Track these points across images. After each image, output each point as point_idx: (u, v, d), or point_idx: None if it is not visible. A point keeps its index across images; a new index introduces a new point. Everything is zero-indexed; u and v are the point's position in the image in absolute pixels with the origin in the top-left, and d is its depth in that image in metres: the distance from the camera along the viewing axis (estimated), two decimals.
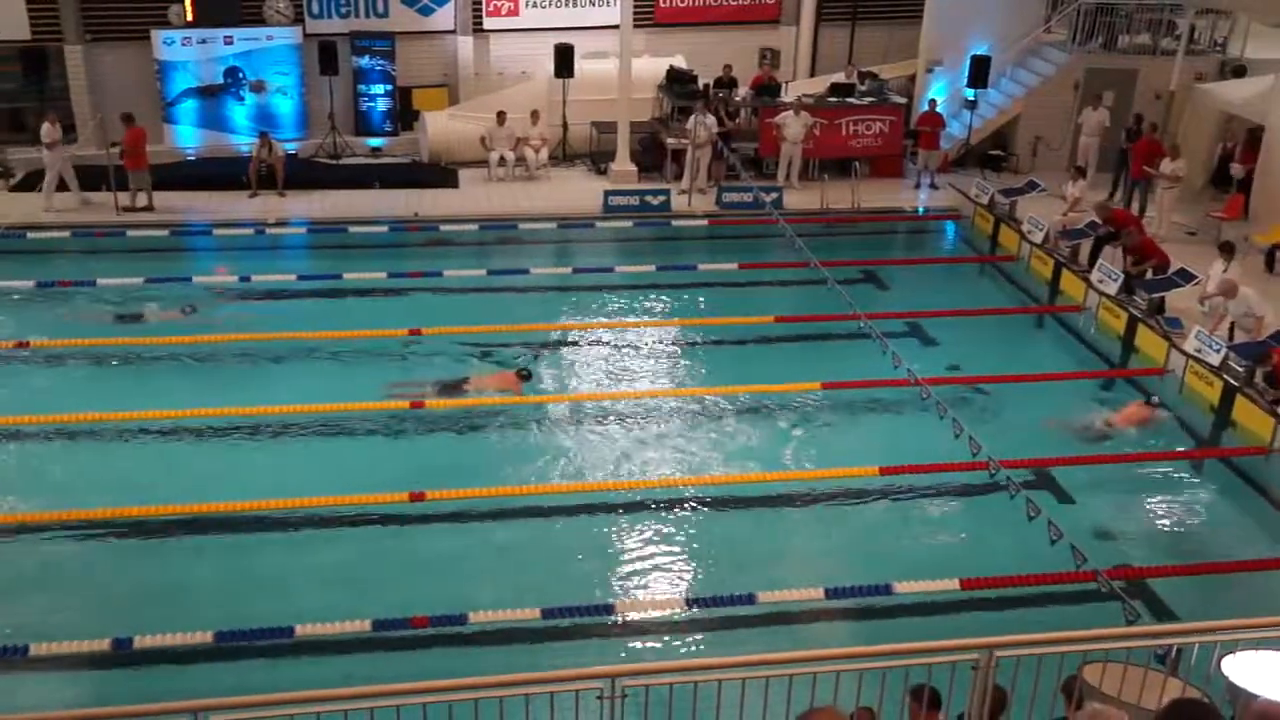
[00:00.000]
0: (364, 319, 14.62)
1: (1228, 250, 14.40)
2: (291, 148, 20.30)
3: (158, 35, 20.05)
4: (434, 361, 13.55)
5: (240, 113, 20.81)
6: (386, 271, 16.00)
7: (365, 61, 21.13)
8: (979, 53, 21.12)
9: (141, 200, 18.10)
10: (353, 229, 17.82)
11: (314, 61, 20.48)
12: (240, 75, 20.62)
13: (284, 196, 18.97)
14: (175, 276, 15.73)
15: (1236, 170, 17.97)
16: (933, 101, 20.82)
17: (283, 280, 15.76)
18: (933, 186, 20.11)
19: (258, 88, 20.72)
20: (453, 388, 12.86)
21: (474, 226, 18.16)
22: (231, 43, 20.37)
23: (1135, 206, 18.51)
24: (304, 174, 19.61)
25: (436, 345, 13.90)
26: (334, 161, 20.56)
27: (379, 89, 21.29)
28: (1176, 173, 17.71)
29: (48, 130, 17.79)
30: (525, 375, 13.10)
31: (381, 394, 12.59)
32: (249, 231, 17.68)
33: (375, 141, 21.29)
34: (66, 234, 17.36)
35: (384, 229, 17.87)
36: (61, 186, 18.08)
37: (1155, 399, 12.84)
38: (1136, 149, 18.85)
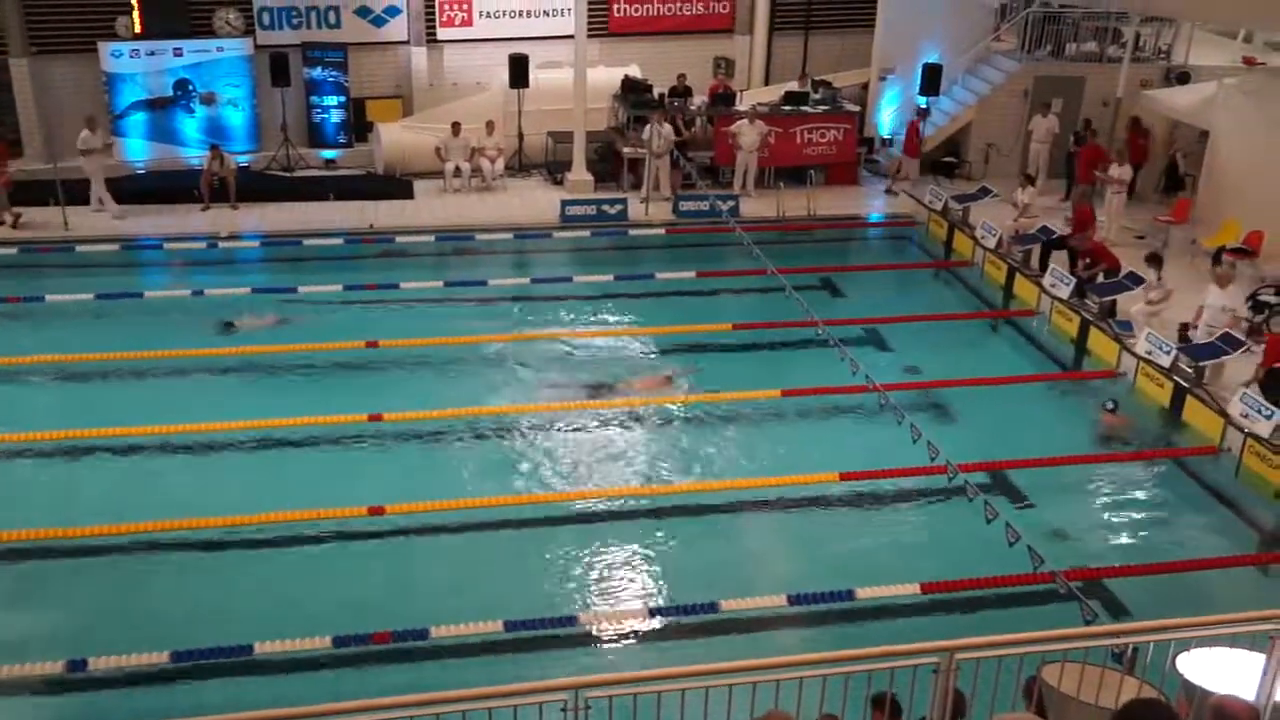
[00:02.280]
0: (324, 331, 14.50)
1: (1156, 261, 14.71)
2: (244, 160, 20.13)
3: (105, 47, 19.80)
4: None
5: (191, 125, 20.59)
6: (342, 284, 15.89)
7: (318, 73, 21.00)
8: (931, 61, 21.39)
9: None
10: (307, 242, 17.70)
11: (265, 73, 20.32)
12: (190, 87, 20.41)
13: (236, 209, 18.81)
14: (129, 292, 15.51)
15: (1117, 172, 18.08)
16: (921, 110, 20.94)
17: (236, 295, 15.59)
18: (893, 194, 20.19)
19: (208, 100, 20.51)
20: (604, 389, 13.15)
21: (430, 238, 18.10)
22: (181, 54, 20.15)
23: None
24: (257, 187, 19.46)
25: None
26: (287, 174, 20.41)
27: (332, 100, 21.16)
28: (1124, 178, 18.03)
29: None
30: (673, 378, 13.32)
31: (536, 394, 12.98)
32: (200, 245, 17.48)
33: (329, 153, 21.18)
34: (13, 250, 17.08)
35: (339, 241, 17.77)
36: None
37: (1110, 404, 13.05)
38: (1082, 155, 19.19)
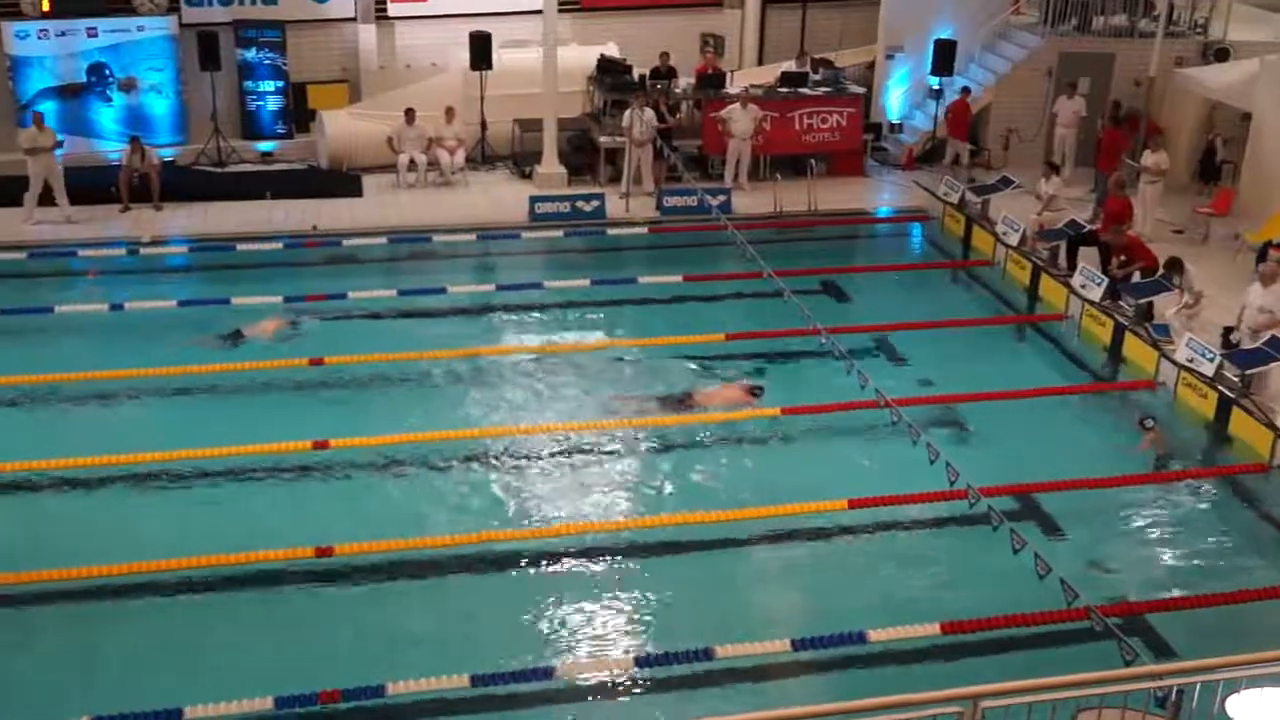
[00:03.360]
0: (262, 348, 14.49)
1: (1176, 267, 14.87)
2: (168, 154, 20.10)
3: (9, 27, 19.76)
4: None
5: (108, 115, 20.56)
6: (282, 294, 15.88)
7: (252, 55, 21.00)
8: (943, 37, 21.58)
9: None
10: (242, 246, 17.67)
11: (193, 55, 20.31)
12: (107, 72, 20.39)
13: (160, 210, 18.78)
14: (35, 307, 15.46)
15: (1152, 159, 18.13)
16: (965, 89, 21.13)
17: (160, 307, 15.56)
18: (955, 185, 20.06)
19: (127, 86, 20.49)
20: (679, 402, 13.31)
21: (382, 240, 18.12)
22: (95, 35, 20.14)
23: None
24: (183, 184, 19.42)
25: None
26: (218, 170, 20.39)
27: (268, 86, 21.17)
28: (1159, 165, 18.24)
29: None
30: (756, 391, 13.38)
31: (606, 408, 13.26)
32: (120, 252, 17.44)
33: (266, 146, 21.16)
34: None
35: (278, 246, 17.75)
36: None
37: (1149, 421, 13.17)
38: (1103, 140, 19.37)
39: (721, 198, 19.14)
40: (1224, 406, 13.22)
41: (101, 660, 9.48)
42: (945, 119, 21.34)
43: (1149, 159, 18.35)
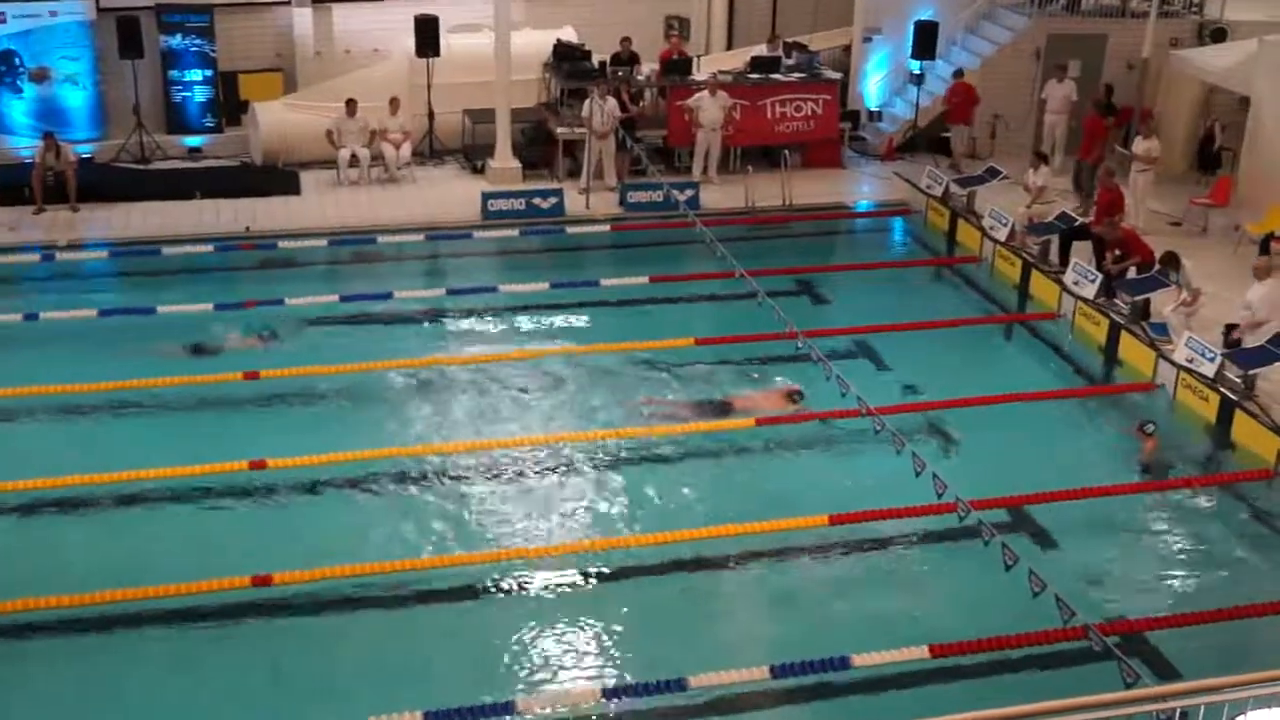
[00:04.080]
0: (192, 360, 14.42)
1: (1172, 262, 15.08)
2: (86, 151, 19.96)
3: None
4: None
5: (18, 108, 20.38)
6: (213, 302, 15.81)
7: (177, 41, 20.90)
8: (924, 18, 21.78)
9: None
10: (168, 250, 17.56)
11: (112, 43, 20.18)
12: (16, 61, 20.22)
13: (77, 211, 18.66)
14: None
15: (1143, 146, 18.37)
16: (958, 72, 21.36)
17: (79, 317, 15.44)
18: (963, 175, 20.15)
19: (40, 77, 20.32)
20: (718, 409, 13.36)
21: (322, 242, 18.06)
22: (4, 20, 19.97)
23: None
24: (103, 183, 19.31)
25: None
26: (142, 167, 20.28)
27: (196, 75, 21.07)
28: (1150, 153, 18.47)
29: None
30: (796, 396, 13.55)
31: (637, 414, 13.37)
32: (34, 258, 17.30)
33: (194, 140, 21.07)
34: None
35: (209, 249, 17.66)
36: None
37: (1149, 425, 13.33)
38: (1085, 127, 19.60)
39: (689, 192, 19.21)
40: (1226, 409, 13.40)
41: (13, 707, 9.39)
42: (947, 104, 21.47)
43: (1139, 146, 18.59)
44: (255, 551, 11.00)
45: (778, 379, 14.29)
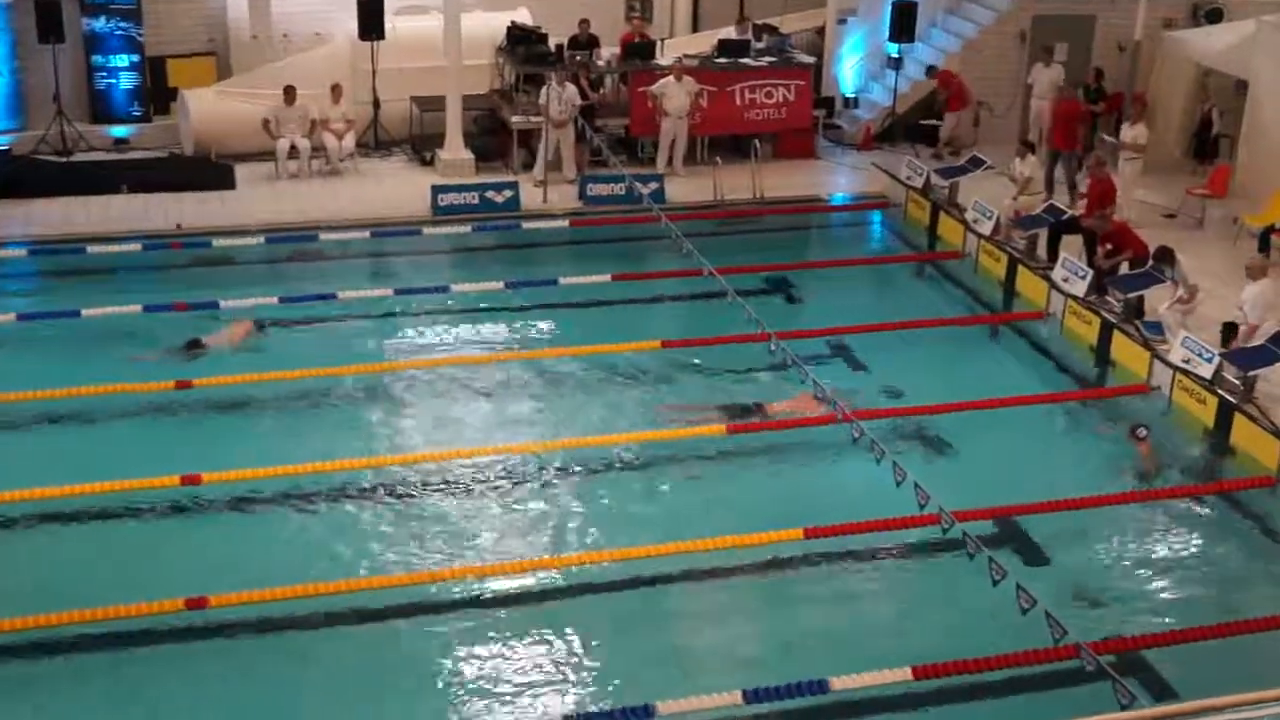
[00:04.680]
0: (119, 367, 14.28)
1: (1167, 258, 15.19)
2: (2, 142, 19.81)
3: None
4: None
5: None
6: (142, 304, 15.68)
7: (101, 24, 20.74)
8: None
9: None
10: (93, 249, 17.43)
11: (30, 26, 19.97)
12: None
13: None
14: None
15: (1129, 134, 18.51)
16: (931, 69, 21.52)
17: None
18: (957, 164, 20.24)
19: None
20: (747, 412, 13.46)
21: (259, 240, 17.95)
22: None
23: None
24: (21, 177, 19.17)
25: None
26: (63, 159, 20.12)
27: (121, 61, 20.91)
28: (1138, 141, 18.62)
29: None
30: (823, 398, 13.51)
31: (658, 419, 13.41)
32: None
33: (120, 131, 20.93)
34: None
35: (136, 247, 17.53)
36: None
37: (1142, 430, 13.42)
38: (1057, 112, 19.76)
39: (653, 185, 19.21)
40: (1225, 413, 13.50)
41: None
42: (943, 94, 21.57)
43: (1126, 133, 18.73)
44: (189, 573, 10.91)
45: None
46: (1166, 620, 10.86)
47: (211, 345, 14.85)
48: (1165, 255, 15.23)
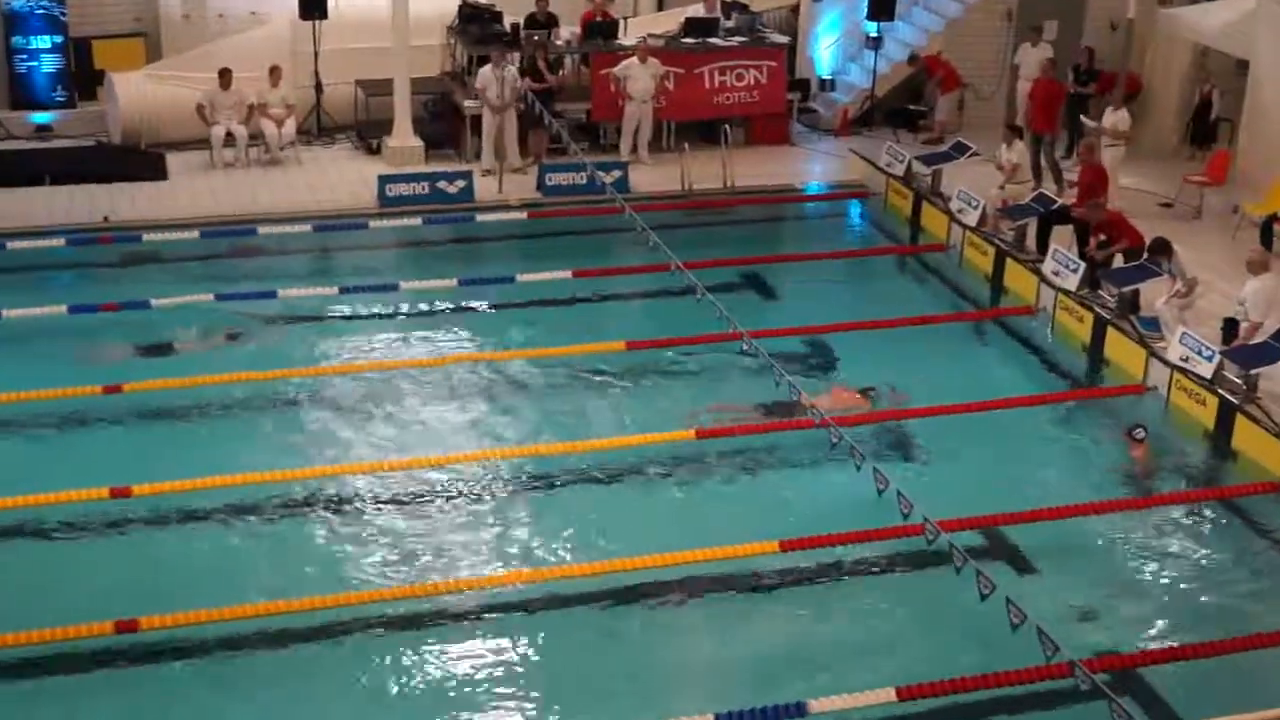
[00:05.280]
0: (43, 370, 14.16)
1: (1164, 250, 15.26)
2: None
3: None
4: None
5: None
6: (66, 304, 15.58)
7: (20, 3, 20.64)
8: None
9: None
10: (13, 244, 17.31)
11: None
12: None
13: None
14: None
15: (1111, 119, 18.73)
16: (913, 57, 21.62)
17: None
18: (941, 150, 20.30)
19: None
20: (788, 409, 13.37)
21: (193, 234, 17.86)
22: None
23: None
24: None
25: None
26: None
27: (43, 42, 20.80)
28: (1119, 126, 18.73)
29: None
30: (870, 393, 13.78)
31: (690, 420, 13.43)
32: None
33: (42, 117, 20.83)
34: None
35: (59, 242, 17.43)
36: None
37: (1139, 431, 13.48)
38: (1036, 93, 19.90)
39: (616, 174, 19.20)
40: (1226, 414, 13.58)
41: None
42: (935, 74, 21.66)
43: (1108, 118, 18.85)
44: (119, 593, 10.84)
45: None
46: (1165, 636, 10.92)
47: (180, 350, 15.01)
48: (1161, 247, 15.30)
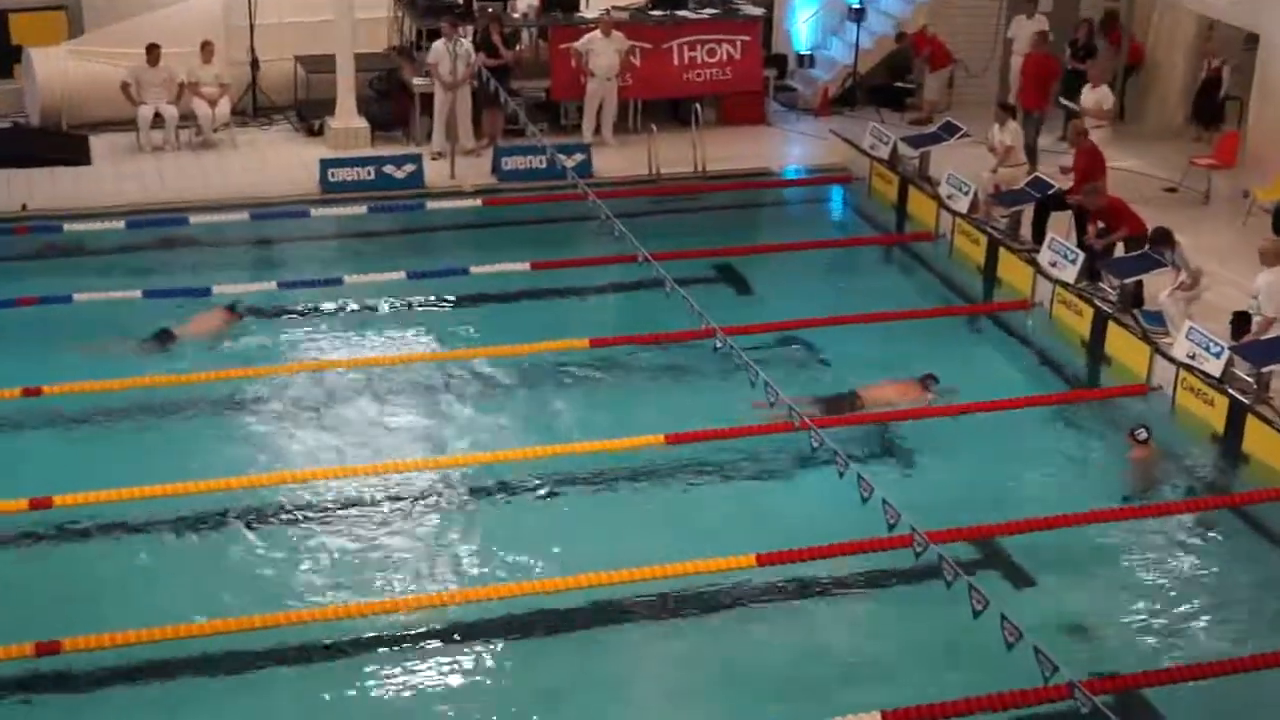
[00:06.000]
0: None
1: (1165, 240, 15.33)
2: None
3: None
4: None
5: None
6: None
7: None
8: None
9: None
10: None
11: None
12: None
13: None
14: None
15: (1092, 97, 18.99)
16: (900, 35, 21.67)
17: None
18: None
19: None
20: (839, 404, 13.73)
21: (119, 224, 17.81)
22: None
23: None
24: None
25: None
26: None
27: None
28: (1101, 105, 18.81)
29: None
30: (931, 383, 13.94)
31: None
32: None
33: None
34: None
35: None
36: None
37: (1141, 432, 13.52)
38: (1026, 68, 20.00)
39: (578, 157, 19.21)
40: (1236, 415, 13.63)
41: None
42: (921, 51, 21.72)
43: (1088, 97, 18.94)
44: (38, 613, 10.80)
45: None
46: (1171, 655, 10.96)
47: (181, 337, 15.01)
48: (1162, 238, 15.34)
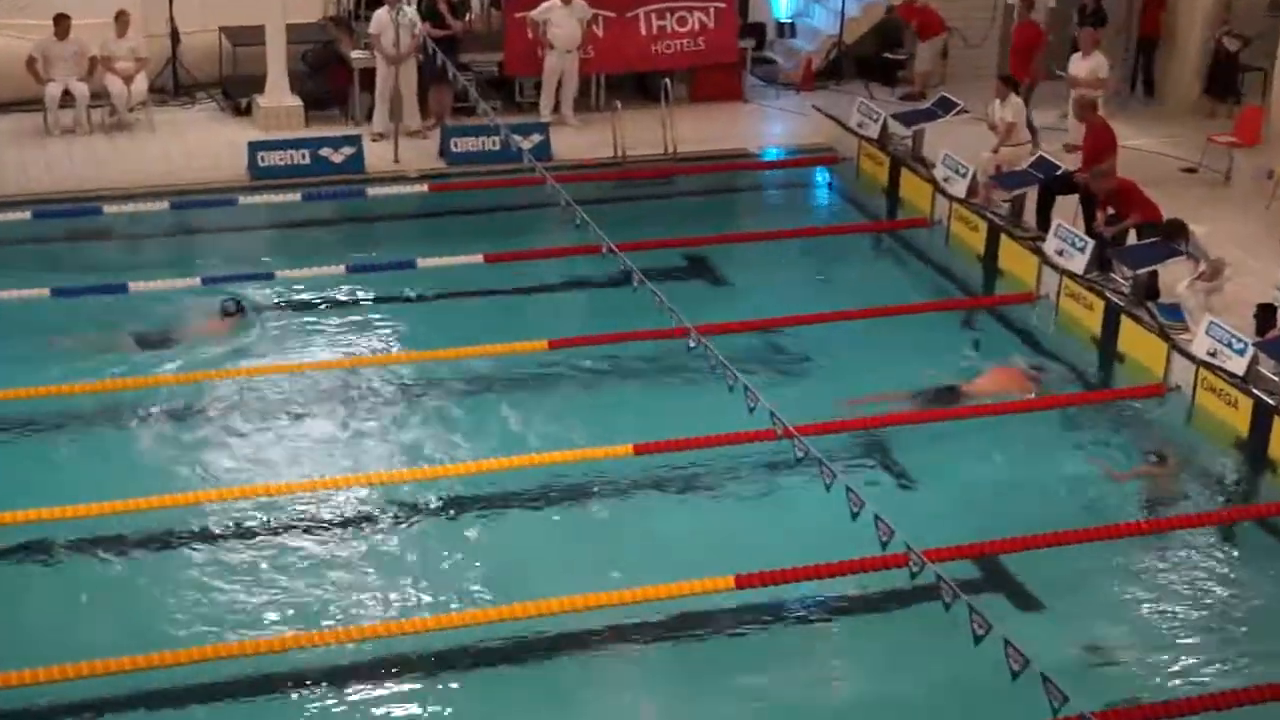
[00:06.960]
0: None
1: (1178, 231, 15.40)
2: None
3: None
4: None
5: None
6: None
7: None
8: None
9: None
10: None
11: None
12: None
13: None
14: None
15: (1085, 66, 19.18)
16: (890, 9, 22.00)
17: None
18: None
19: None
20: (944, 396, 13.87)
21: (24, 214, 17.76)
22: None
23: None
24: None
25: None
26: None
27: None
28: (1096, 75, 18.89)
29: None
30: (1036, 372, 14.19)
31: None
32: None
33: None
34: None
35: None
36: None
37: (1153, 456, 13.58)
38: (1014, 38, 20.22)
39: (536, 138, 19.25)
40: (1262, 418, 13.70)
41: None
42: (910, 21, 21.85)
43: (1079, 66, 19.02)
44: None
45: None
46: (1190, 683, 11.00)
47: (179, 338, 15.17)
48: (1176, 229, 15.38)
